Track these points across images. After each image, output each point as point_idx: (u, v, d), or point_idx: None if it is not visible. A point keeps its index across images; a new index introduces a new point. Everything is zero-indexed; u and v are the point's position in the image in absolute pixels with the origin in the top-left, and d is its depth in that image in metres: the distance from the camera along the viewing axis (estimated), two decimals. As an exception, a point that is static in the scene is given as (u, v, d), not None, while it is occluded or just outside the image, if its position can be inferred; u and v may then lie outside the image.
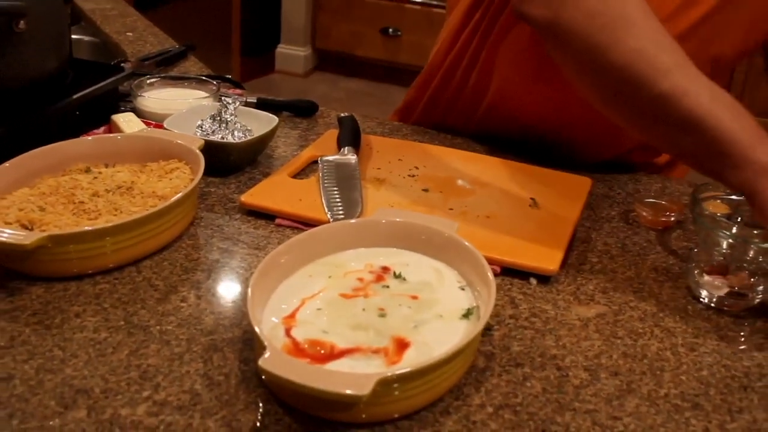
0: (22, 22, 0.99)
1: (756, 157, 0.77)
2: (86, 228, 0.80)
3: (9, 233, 0.76)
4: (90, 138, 1.00)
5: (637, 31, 0.83)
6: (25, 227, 0.81)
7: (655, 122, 0.84)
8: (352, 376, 0.62)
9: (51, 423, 0.62)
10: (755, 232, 0.83)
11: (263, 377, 0.68)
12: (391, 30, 4.15)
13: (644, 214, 1.00)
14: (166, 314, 0.76)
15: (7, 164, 0.88)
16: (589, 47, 0.85)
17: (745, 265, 0.84)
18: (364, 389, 0.59)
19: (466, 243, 0.79)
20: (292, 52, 4.42)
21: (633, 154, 1.17)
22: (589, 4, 0.85)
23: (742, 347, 0.78)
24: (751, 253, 0.85)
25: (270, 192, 0.98)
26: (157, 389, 0.67)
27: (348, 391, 0.59)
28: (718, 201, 0.99)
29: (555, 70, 0.95)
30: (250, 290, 0.70)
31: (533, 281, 0.86)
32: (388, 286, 0.77)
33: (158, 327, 0.74)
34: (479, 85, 1.17)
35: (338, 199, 0.96)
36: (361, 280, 0.78)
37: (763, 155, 0.77)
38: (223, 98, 1.10)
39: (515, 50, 1.10)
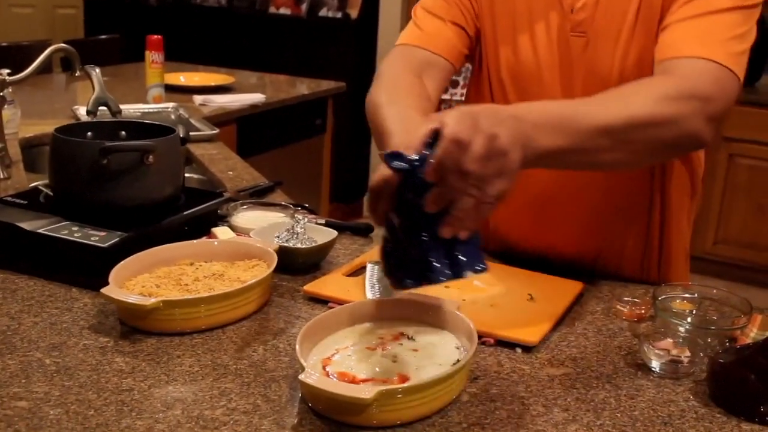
0: (150, 156, 1.35)
1: (390, 141, 1.16)
2: (188, 296, 1.12)
3: (135, 298, 1.09)
4: (195, 241, 1.33)
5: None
6: (144, 297, 1.13)
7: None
8: (362, 386, 0.90)
9: (157, 416, 0.92)
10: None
11: (302, 392, 0.95)
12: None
13: (621, 308, 1.26)
14: (241, 358, 1.05)
15: (136, 256, 1.21)
16: None
17: (681, 341, 1.09)
18: (368, 395, 0.87)
19: (461, 314, 1.07)
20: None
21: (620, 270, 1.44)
22: None
23: (673, 399, 1.02)
24: (706, 340, 1.12)
25: (326, 284, 1.28)
26: (230, 401, 0.95)
27: (357, 395, 0.87)
28: (684, 301, 1.25)
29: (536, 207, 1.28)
30: (300, 335, 0.99)
31: (518, 350, 1.12)
32: (401, 344, 1.05)
33: (234, 366, 1.04)
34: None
35: (377, 288, 1.25)
36: (382, 338, 1.06)
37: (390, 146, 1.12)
38: (296, 216, 1.42)
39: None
